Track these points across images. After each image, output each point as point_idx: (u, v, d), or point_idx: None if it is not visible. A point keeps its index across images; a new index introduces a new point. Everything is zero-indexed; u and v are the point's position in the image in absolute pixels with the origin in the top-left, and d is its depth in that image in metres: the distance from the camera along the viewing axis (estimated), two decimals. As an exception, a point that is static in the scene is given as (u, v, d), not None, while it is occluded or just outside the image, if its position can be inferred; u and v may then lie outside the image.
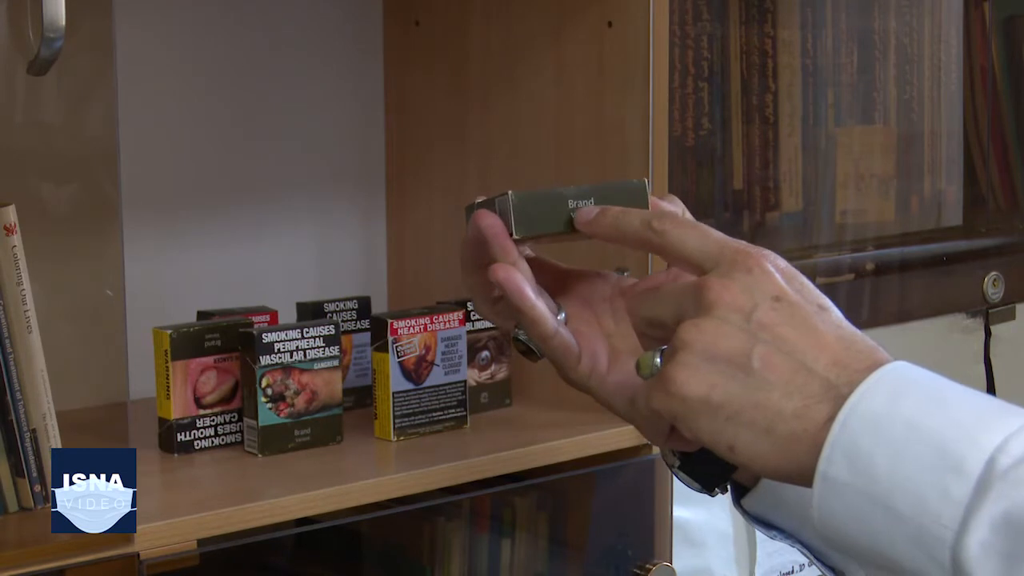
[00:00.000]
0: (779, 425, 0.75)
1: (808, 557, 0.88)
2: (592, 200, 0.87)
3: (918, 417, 0.72)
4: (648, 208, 0.87)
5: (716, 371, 0.76)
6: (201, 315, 1.42)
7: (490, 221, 0.88)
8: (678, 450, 0.87)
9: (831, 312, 0.78)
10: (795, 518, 0.87)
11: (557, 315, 0.88)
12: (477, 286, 0.92)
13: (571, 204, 0.87)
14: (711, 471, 0.87)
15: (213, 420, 1.34)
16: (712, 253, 0.79)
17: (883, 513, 0.72)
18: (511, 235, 0.87)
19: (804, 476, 0.75)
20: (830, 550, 0.85)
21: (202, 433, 1.34)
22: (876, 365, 0.75)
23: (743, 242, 0.80)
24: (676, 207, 0.90)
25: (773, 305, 0.76)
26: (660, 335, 0.80)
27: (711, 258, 0.79)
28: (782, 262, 0.79)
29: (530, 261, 0.91)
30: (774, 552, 1.77)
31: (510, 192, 0.87)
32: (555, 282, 0.92)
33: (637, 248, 0.85)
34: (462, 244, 0.91)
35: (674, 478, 1.06)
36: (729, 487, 0.90)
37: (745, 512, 0.90)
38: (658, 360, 0.79)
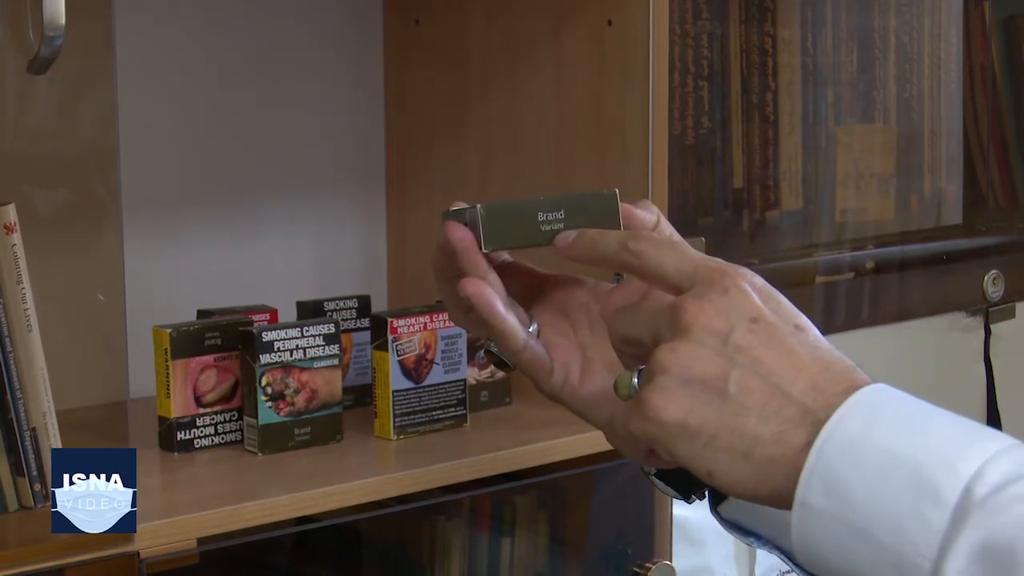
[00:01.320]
0: (757, 450, 0.74)
1: (787, 563, 0.88)
2: (562, 212, 0.86)
3: (894, 443, 0.72)
4: (620, 216, 0.87)
5: (692, 395, 0.75)
6: (201, 314, 1.42)
7: (460, 234, 0.87)
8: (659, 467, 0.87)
9: (808, 332, 0.77)
10: (773, 525, 0.87)
11: (528, 327, 0.88)
12: (450, 296, 0.92)
13: (541, 216, 0.86)
14: (687, 477, 0.87)
15: (213, 419, 1.34)
16: (688, 273, 0.78)
17: (861, 540, 0.72)
18: (480, 248, 0.87)
19: (783, 500, 0.74)
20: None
21: (202, 432, 1.34)
22: (853, 388, 0.74)
23: (719, 260, 0.79)
24: (651, 214, 0.89)
25: (750, 327, 0.76)
26: (637, 353, 0.80)
27: (687, 278, 0.78)
28: (759, 280, 0.78)
29: (506, 267, 0.90)
30: (774, 550, 1.77)
31: (479, 205, 0.87)
32: (531, 288, 0.92)
33: (616, 270, 0.84)
34: (434, 253, 0.91)
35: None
36: (707, 493, 0.90)
37: (722, 519, 0.90)
38: (635, 381, 0.79)
